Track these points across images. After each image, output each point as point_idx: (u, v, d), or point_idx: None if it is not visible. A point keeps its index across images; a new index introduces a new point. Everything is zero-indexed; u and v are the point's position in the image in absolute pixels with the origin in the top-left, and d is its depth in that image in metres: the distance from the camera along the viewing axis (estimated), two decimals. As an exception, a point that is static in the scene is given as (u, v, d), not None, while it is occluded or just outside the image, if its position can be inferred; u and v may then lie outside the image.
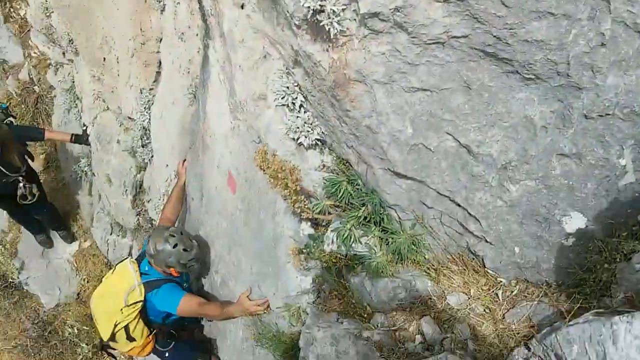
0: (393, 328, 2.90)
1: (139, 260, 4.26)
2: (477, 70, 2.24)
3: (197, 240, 4.16)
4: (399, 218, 2.86)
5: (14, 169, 5.74)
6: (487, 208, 2.50)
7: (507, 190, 2.42)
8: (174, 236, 3.96)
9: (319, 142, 2.96)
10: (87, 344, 7.51)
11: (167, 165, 5.20)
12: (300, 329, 3.58)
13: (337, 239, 2.98)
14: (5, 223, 8.31)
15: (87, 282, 7.90)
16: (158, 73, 5.26)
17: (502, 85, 2.23)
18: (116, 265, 4.33)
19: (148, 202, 5.94)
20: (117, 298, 4.08)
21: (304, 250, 3.06)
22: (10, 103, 8.19)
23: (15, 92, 8.31)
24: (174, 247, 3.92)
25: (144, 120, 5.39)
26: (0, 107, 5.91)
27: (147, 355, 4.70)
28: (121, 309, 4.04)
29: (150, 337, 4.40)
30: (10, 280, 8.06)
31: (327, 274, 3.23)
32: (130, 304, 4.06)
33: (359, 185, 2.89)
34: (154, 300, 4.11)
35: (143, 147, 5.61)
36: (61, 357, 7.59)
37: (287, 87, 2.81)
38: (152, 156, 5.58)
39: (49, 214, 7.20)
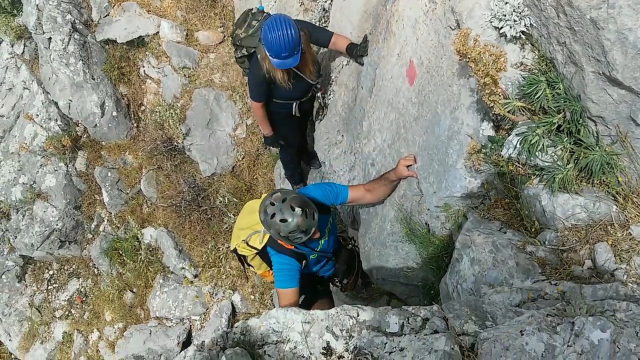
0: (562, 248, 2.73)
1: None
2: None
3: (305, 206, 3.43)
4: (597, 132, 2.59)
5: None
6: None
7: None
8: (273, 204, 3.38)
9: (522, 36, 2.71)
10: (234, 215, 7.94)
11: (342, 50, 5.12)
12: (452, 232, 3.51)
13: (519, 145, 2.78)
14: (179, 89, 8.72)
15: (243, 158, 8.25)
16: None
17: None
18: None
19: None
20: (247, 228, 3.83)
21: (483, 151, 2.90)
22: None
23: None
24: (271, 217, 3.37)
25: (325, 1, 5.28)
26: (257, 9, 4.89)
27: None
28: (242, 240, 3.82)
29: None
30: (175, 144, 8.51)
31: (498, 181, 3.07)
32: (248, 245, 3.78)
33: (559, 89, 2.62)
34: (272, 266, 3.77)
35: (320, 29, 5.52)
36: (209, 222, 8.11)
37: (503, -32, 2.55)
38: (327, 39, 5.49)
39: None
